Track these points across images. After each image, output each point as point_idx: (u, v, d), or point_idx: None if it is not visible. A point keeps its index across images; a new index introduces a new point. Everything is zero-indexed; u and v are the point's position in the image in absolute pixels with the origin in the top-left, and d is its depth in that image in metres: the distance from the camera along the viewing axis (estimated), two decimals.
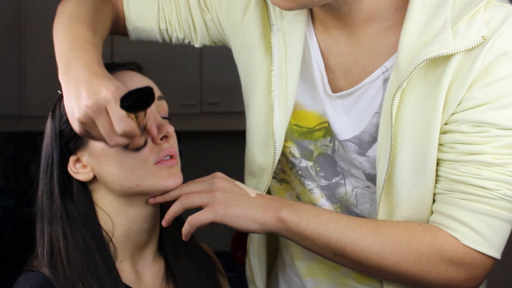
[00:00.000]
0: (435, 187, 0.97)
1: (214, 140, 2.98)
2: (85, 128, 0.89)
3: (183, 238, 1.00)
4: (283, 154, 1.12)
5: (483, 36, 0.90)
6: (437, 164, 0.96)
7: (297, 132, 1.09)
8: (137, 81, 1.02)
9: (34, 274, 0.95)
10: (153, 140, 0.97)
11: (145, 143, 0.96)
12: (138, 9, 1.19)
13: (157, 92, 1.03)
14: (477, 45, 0.90)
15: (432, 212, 0.98)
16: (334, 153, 1.07)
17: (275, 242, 1.25)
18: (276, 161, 1.08)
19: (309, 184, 1.11)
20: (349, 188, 1.08)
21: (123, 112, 0.85)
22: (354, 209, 1.08)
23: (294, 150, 1.10)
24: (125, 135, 0.86)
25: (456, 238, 0.94)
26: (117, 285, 0.95)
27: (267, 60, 1.07)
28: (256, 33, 1.09)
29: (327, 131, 1.06)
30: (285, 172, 1.16)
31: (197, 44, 1.22)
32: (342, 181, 1.08)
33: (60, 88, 0.98)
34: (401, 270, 0.96)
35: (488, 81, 0.90)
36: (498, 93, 0.90)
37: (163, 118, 1.02)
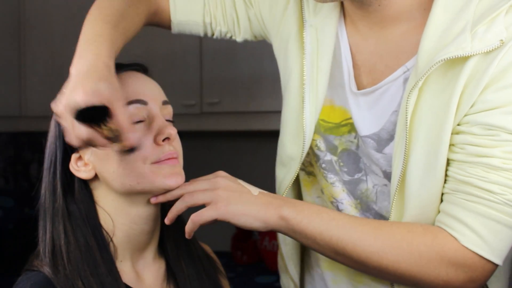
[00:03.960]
0: (443, 187, 0.97)
1: (214, 140, 2.98)
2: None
3: (186, 235, 1.00)
4: (310, 147, 1.14)
5: (501, 40, 0.90)
6: (447, 164, 0.96)
7: (323, 127, 1.12)
8: (142, 83, 1.03)
9: (35, 273, 0.95)
10: (155, 140, 0.97)
11: (136, 147, 0.95)
12: (184, 3, 1.24)
13: (162, 97, 1.03)
14: (495, 48, 0.90)
15: (439, 212, 0.98)
16: (358, 149, 1.09)
17: None
18: (305, 152, 1.11)
19: (332, 177, 1.13)
20: (370, 185, 1.09)
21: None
22: (373, 206, 1.09)
23: (320, 143, 1.13)
24: (81, 140, 0.87)
25: (456, 239, 0.94)
26: (117, 284, 0.96)
27: (301, 55, 1.11)
28: (293, 29, 1.13)
29: (352, 127, 1.09)
30: (312, 165, 1.18)
31: (239, 39, 1.27)
32: (364, 178, 1.10)
33: (62, 87, 0.99)
34: (401, 270, 0.96)
35: (502, 85, 0.91)
36: (510, 98, 0.91)
37: (168, 121, 1.03)
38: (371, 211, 1.09)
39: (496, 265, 0.95)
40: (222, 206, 0.98)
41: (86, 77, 0.88)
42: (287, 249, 1.21)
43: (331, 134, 1.11)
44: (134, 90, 1.00)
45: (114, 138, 0.88)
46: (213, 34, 1.28)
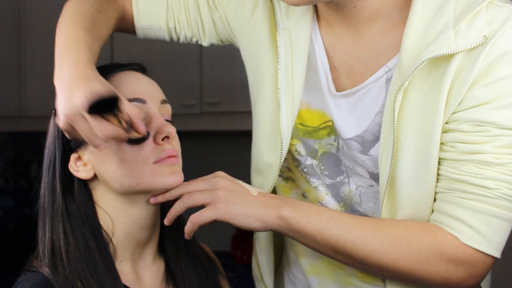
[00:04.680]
0: (436, 185, 0.97)
1: (214, 140, 2.98)
2: (70, 134, 0.91)
3: (186, 236, 1.00)
4: (289, 152, 1.13)
5: (485, 36, 0.90)
6: (439, 163, 0.96)
7: (302, 131, 1.10)
8: (141, 81, 1.03)
9: (34, 274, 0.95)
10: (155, 140, 0.97)
11: (148, 134, 0.96)
12: (147, 8, 1.20)
13: (161, 96, 1.04)
14: (479, 44, 0.90)
15: (433, 211, 0.98)
16: (339, 151, 1.08)
17: (281, 239, 1.25)
18: (283, 158, 1.09)
19: (315, 181, 1.12)
20: (353, 187, 1.08)
21: (99, 117, 0.87)
22: (358, 208, 1.09)
23: (300, 148, 1.11)
24: (107, 138, 0.88)
25: (456, 237, 0.94)
26: (116, 285, 0.95)
27: (274, 59, 1.08)
28: (263, 33, 1.10)
29: (332, 129, 1.07)
30: (290, 170, 1.16)
31: (205, 43, 1.23)
32: (346, 180, 1.09)
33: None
34: (401, 268, 0.96)
35: (489, 81, 0.91)
36: (498, 93, 0.91)
37: (166, 120, 1.03)
38: (356, 213, 1.09)
39: (495, 258, 0.96)
40: (222, 207, 0.97)
41: (75, 83, 0.87)
42: (262, 259, 1.19)
43: (310, 138, 1.10)
44: (132, 89, 1.00)
45: (128, 128, 0.89)
46: (178, 39, 1.25)
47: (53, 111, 1.03)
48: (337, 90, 1.04)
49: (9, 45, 2.88)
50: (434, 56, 0.91)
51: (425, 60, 0.91)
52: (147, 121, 0.99)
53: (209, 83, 2.66)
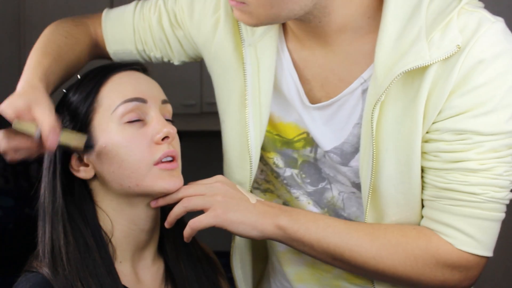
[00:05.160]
0: (422, 193, 0.98)
1: (214, 140, 2.97)
2: None
3: (185, 240, 1.01)
4: (267, 164, 1.13)
5: (458, 45, 0.89)
6: (423, 171, 0.97)
7: (280, 141, 1.09)
8: (142, 81, 1.03)
9: (34, 274, 0.95)
10: (153, 139, 0.97)
11: (91, 148, 0.97)
12: (115, 33, 1.20)
13: (162, 96, 1.04)
14: (453, 54, 0.90)
15: (421, 216, 1.00)
16: (317, 161, 1.08)
17: (264, 244, 1.25)
18: (253, 176, 1.08)
19: (295, 192, 1.12)
20: (336, 192, 1.08)
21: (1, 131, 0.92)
22: (342, 213, 1.09)
23: (278, 160, 1.11)
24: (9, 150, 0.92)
25: (450, 243, 0.95)
26: (116, 285, 0.95)
27: (240, 75, 1.06)
28: (228, 49, 1.08)
29: (307, 141, 1.07)
30: (269, 182, 1.16)
31: (176, 62, 1.22)
32: (328, 186, 1.09)
33: (64, 86, 1.04)
34: (398, 273, 0.97)
35: (466, 90, 0.91)
36: (477, 100, 0.91)
37: (167, 120, 1.03)
38: (340, 217, 1.08)
39: (488, 258, 0.97)
40: (221, 213, 0.98)
41: (10, 96, 0.95)
42: (239, 273, 1.18)
43: (288, 148, 1.09)
44: (133, 89, 1.00)
45: (37, 137, 0.91)
46: (150, 60, 1.24)
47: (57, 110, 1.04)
48: (312, 102, 1.03)
49: (9, 45, 2.88)
50: (410, 69, 0.90)
51: (400, 74, 0.91)
52: (148, 121, 0.99)
53: (209, 83, 2.66)
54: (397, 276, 0.98)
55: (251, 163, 1.07)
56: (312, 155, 1.08)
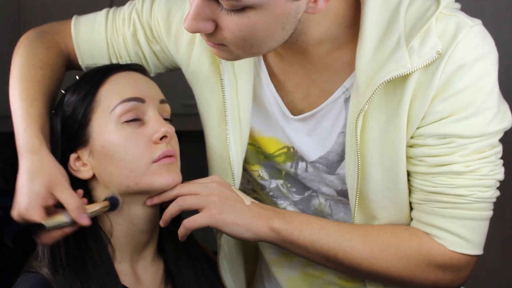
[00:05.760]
0: (410, 196, 0.99)
1: None
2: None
3: (180, 239, 1.01)
4: (252, 176, 1.13)
5: (438, 52, 0.90)
6: (410, 175, 0.98)
7: (263, 154, 1.10)
8: (140, 81, 1.03)
9: (33, 275, 0.95)
10: (152, 138, 0.97)
11: (116, 206, 0.99)
12: (87, 48, 1.17)
13: (160, 96, 1.04)
14: (433, 60, 0.90)
15: (411, 219, 1.01)
16: (298, 176, 1.08)
17: (255, 248, 1.25)
18: (237, 188, 1.07)
19: (282, 203, 1.12)
20: (322, 199, 1.09)
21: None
22: (330, 219, 1.09)
23: (263, 172, 1.11)
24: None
25: (441, 244, 0.97)
26: (115, 285, 0.95)
27: (218, 91, 1.06)
28: (205, 65, 1.07)
29: (287, 156, 1.07)
30: (256, 192, 1.16)
31: (152, 74, 1.19)
32: (315, 194, 1.10)
33: (63, 87, 1.04)
34: (391, 274, 0.99)
35: (448, 95, 0.91)
36: (459, 105, 0.92)
37: (165, 119, 1.03)
38: None
39: (479, 256, 0.99)
40: (215, 214, 0.98)
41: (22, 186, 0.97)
42: (228, 277, 1.17)
43: (271, 161, 1.09)
44: (131, 89, 1.00)
45: (71, 223, 0.92)
46: None
47: (53, 111, 1.04)
48: (295, 114, 1.03)
49: (9, 45, 2.88)
50: (391, 78, 0.90)
51: (383, 83, 0.91)
52: (146, 120, 0.99)
53: None
54: (390, 277, 0.99)
55: (233, 177, 1.07)
56: (292, 170, 1.08)
